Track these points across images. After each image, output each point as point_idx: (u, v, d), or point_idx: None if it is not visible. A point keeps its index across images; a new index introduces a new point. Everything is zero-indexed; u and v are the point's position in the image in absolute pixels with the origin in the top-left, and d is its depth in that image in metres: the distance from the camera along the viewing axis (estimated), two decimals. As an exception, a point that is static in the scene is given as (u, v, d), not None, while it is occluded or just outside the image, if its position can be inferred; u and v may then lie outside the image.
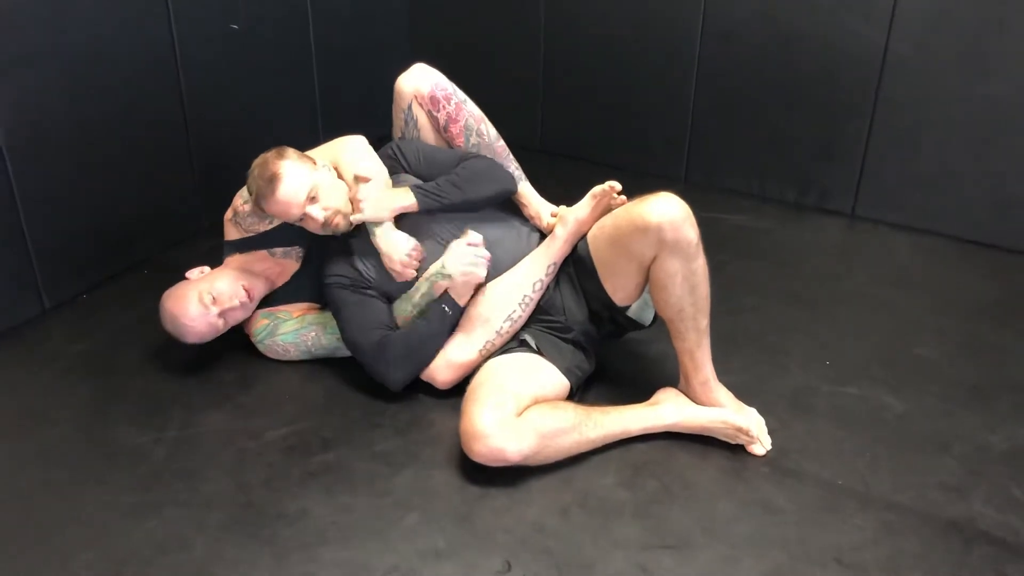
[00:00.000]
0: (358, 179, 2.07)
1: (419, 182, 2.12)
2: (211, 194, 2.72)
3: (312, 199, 2.03)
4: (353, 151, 2.14)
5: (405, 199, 2.05)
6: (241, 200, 2.18)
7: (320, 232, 2.09)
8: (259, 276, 2.20)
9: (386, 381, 2.07)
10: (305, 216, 2.04)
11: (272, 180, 2.00)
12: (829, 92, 2.88)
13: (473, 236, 2.05)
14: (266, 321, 2.22)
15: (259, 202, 2.06)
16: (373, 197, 2.04)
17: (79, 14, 2.33)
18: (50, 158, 2.34)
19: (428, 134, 2.24)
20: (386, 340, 2.04)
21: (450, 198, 2.07)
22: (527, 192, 2.27)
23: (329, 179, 2.09)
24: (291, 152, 2.07)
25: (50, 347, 2.31)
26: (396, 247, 2.05)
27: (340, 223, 2.08)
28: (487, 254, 2.05)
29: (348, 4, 3.21)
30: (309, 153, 2.17)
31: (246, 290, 2.13)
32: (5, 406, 2.12)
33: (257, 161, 2.07)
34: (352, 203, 2.07)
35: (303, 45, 3.07)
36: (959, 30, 2.64)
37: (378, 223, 2.05)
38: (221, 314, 2.10)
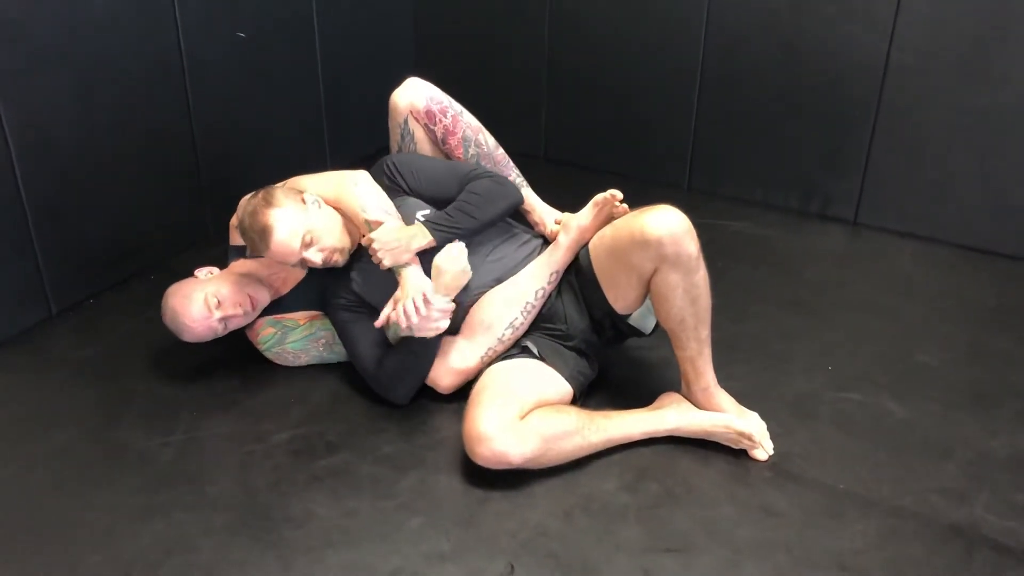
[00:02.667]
0: (370, 224, 2.02)
1: (424, 206, 2.11)
2: (217, 201, 2.73)
3: (307, 244, 2.00)
4: (358, 191, 2.08)
5: (423, 238, 2.00)
6: (240, 236, 2.16)
7: (320, 268, 2.07)
8: (264, 283, 2.20)
9: (389, 397, 2.09)
10: (303, 260, 2.02)
11: (264, 233, 1.97)
12: (831, 100, 2.89)
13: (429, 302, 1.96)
14: (272, 330, 2.22)
15: (255, 253, 2.04)
16: (389, 244, 1.98)
17: (88, 23, 2.35)
18: (58, 164, 2.36)
19: (425, 147, 2.23)
20: (383, 358, 2.05)
21: (466, 227, 2.04)
22: (531, 199, 2.28)
23: (321, 218, 2.04)
24: (278, 195, 2.01)
25: (57, 352, 2.33)
26: (415, 298, 1.95)
27: (339, 260, 2.06)
28: (447, 308, 1.98)
29: (353, 14, 3.23)
30: (306, 182, 2.14)
31: (251, 298, 2.12)
32: (13, 410, 2.13)
33: (247, 209, 2.02)
34: (370, 251, 2.00)
35: (309, 54, 3.09)
36: (960, 38, 2.66)
37: (401, 267, 2.00)
38: (223, 319, 2.10)
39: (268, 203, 2.00)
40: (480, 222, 2.06)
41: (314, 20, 3.06)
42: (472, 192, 2.08)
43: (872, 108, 2.83)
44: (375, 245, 1.98)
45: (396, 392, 2.08)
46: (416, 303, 1.93)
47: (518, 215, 2.27)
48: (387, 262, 1.98)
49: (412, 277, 1.99)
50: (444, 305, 1.97)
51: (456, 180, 2.12)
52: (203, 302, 2.07)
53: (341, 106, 3.24)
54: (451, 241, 2.03)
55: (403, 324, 1.94)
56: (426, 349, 2.04)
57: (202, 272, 2.17)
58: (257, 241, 2.00)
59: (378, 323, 1.99)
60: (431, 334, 1.98)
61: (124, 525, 1.79)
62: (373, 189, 2.09)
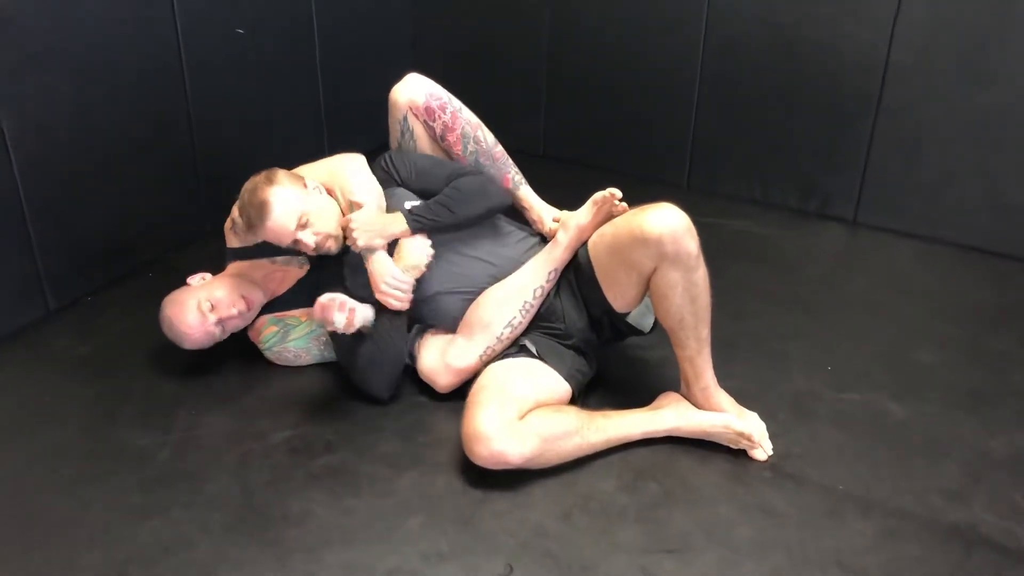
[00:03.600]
0: (352, 205, 2.06)
1: (413, 198, 2.13)
2: (215, 198, 2.71)
3: (303, 225, 2.01)
4: (349, 172, 2.12)
5: (397, 226, 2.04)
6: (238, 211, 2.18)
7: (312, 254, 2.10)
8: (259, 283, 2.21)
9: (369, 391, 2.09)
10: (297, 241, 2.03)
11: (262, 208, 1.99)
12: (831, 99, 2.89)
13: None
14: (275, 328, 2.22)
15: (250, 229, 2.06)
16: (366, 226, 2.02)
17: (86, 18, 2.35)
18: (56, 161, 2.35)
19: (425, 144, 2.23)
20: (357, 351, 2.06)
21: (442, 220, 2.06)
22: (529, 196, 2.27)
23: (320, 203, 2.07)
24: (281, 175, 2.05)
25: (55, 349, 2.32)
26: (381, 275, 2.03)
27: (332, 246, 2.08)
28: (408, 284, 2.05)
29: (352, 12, 3.22)
30: (304, 168, 2.17)
31: (244, 299, 2.13)
32: (10, 407, 2.13)
33: (247, 186, 2.05)
34: (344, 230, 2.05)
35: (308, 51, 3.08)
36: (960, 38, 2.65)
37: (372, 250, 2.04)
38: (219, 323, 2.11)
39: (270, 181, 2.03)
40: (458, 217, 2.07)
41: (313, 17, 3.05)
42: (455, 188, 2.10)
43: (872, 107, 2.83)
44: (352, 225, 2.02)
45: (372, 384, 2.07)
46: (388, 280, 2.02)
47: (516, 213, 2.27)
48: (360, 242, 2.02)
49: (379, 261, 2.04)
50: (407, 278, 2.04)
51: (445, 175, 2.14)
52: (196, 308, 2.09)
53: (340, 104, 3.23)
54: (426, 231, 2.05)
55: (394, 306, 2.04)
56: (390, 338, 2.04)
57: (195, 279, 2.19)
58: (253, 216, 2.01)
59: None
60: (351, 327, 1.96)
61: (121, 523, 1.78)
62: (364, 173, 2.13)
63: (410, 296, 2.05)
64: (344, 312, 1.93)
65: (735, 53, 2.99)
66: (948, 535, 1.77)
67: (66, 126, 2.36)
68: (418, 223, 2.05)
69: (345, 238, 2.09)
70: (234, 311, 2.11)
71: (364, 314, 2.02)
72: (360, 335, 2.06)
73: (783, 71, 2.93)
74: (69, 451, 1.98)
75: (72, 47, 2.33)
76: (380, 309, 2.06)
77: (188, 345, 2.13)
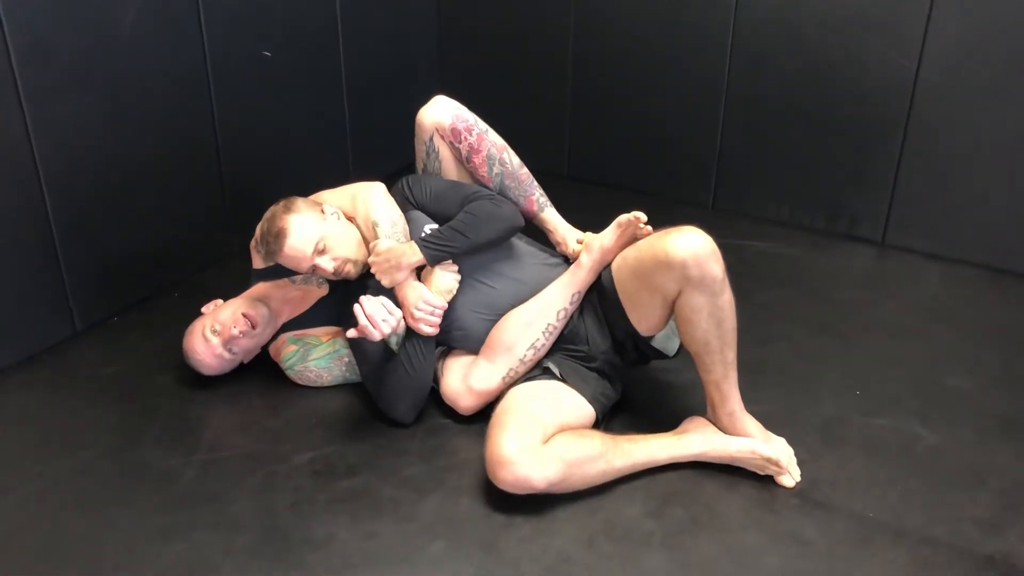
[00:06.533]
0: (375, 230, 2.09)
1: (430, 222, 2.13)
2: (241, 218, 2.73)
3: (320, 251, 2.04)
4: (370, 198, 2.14)
5: (413, 256, 2.03)
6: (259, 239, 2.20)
7: (333, 279, 2.11)
8: (271, 302, 2.23)
9: (392, 415, 2.09)
10: (315, 267, 2.06)
11: (279, 236, 2.02)
12: (859, 119, 2.87)
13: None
14: (294, 347, 2.23)
15: (269, 256, 2.09)
16: (384, 264, 2.03)
17: (115, 41, 2.38)
18: (85, 181, 2.38)
19: (451, 166, 2.24)
20: (384, 375, 2.06)
21: (457, 246, 2.04)
22: (553, 218, 2.27)
23: (338, 229, 2.09)
24: (299, 203, 2.08)
25: (81, 369, 2.34)
26: (413, 301, 2.02)
27: (351, 271, 2.09)
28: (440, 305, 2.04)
29: (379, 32, 3.25)
30: (324, 194, 2.20)
31: (246, 317, 2.15)
32: (36, 427, 2.14)
33: (266, 215, 2.09)
34: (370, 265, 2.07)
35: (334, 74, 3.10)
36: (990, 58, 2.62)
37: (397, 283, 2.05)
38: (226, 344, 2.14)
39: (288, 209, 2.06)
40: (472, 242, 2.05)
41: (339, 39, 3.07)
42: (468, 212, 2.08)
43: (901, 127, 2.80)
44: (371, 260, 2.05)
45: (397, 410, 2.07)
46: (420, 305, 2.00)
47: (540, 235, 2.26)
48: (385, 282, 2.04)
49: (410, 287, 2.04)
50: (440, 302, 2.03)
51: (459, 199, 2.13)
52: (201, 334, 2.15)
53: (365, 125, 3.25)
54: (441, 258, 2.04)
55: (424, 332, 2.02)
56: (419, 365, 2.04)
57: (208, 307, 2.25)
58: (272, 243, 2.04)
59: (350, 334, 2.00)
60: (377, 335, 1.96)
61: (145, 545, 1.78)
62: (384, 199, 2.15)
63: (440, 321, 2.04)
64: (390, 314, 1.95)
65: (762, 73, 2.98)
66: (982, 566, 1.72)
67: (95, 148, 2.39)
68: (431, 251, 2.03)
69: (367, 266, 2.10)
70: (235, 331, 2.14)
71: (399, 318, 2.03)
72: (387, 357, 2.06)
73: (810, 91, 2.92)
74: (93, 471, 1.99)
75: (102, 70, 2.36)
76: (409, 335, 2.06)
77: (206, 372, 2.19)
